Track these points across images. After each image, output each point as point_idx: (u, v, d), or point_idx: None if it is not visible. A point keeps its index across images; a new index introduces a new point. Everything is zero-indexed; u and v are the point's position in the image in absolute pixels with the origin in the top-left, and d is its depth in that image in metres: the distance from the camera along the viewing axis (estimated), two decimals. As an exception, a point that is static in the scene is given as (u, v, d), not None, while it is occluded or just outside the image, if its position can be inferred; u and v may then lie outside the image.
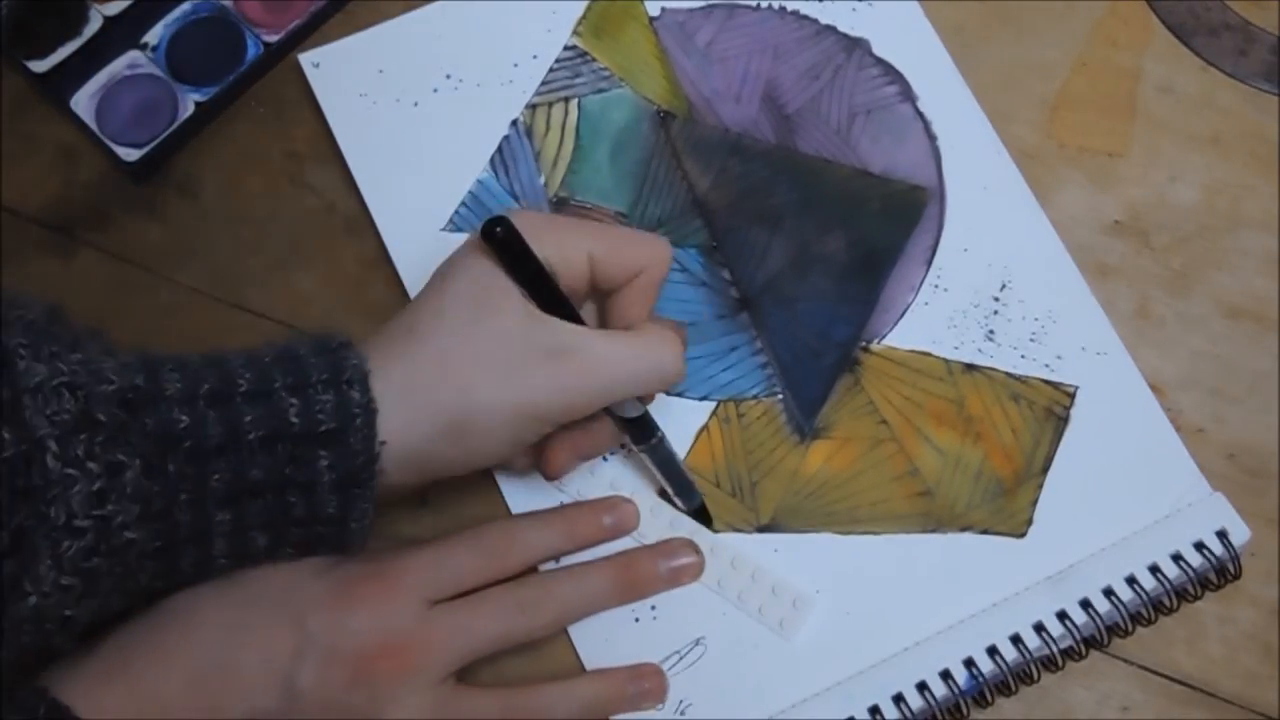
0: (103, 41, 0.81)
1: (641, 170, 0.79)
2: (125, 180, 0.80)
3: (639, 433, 0.69)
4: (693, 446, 0.74)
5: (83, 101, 0.80)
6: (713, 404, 0.75)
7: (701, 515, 0.72)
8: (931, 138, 0.79)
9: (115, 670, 0.60)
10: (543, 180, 0.80)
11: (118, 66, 0.81)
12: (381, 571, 0.65)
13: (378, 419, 0.62)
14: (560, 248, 0.66)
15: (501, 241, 0.64)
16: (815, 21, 0.82)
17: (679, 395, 0.75)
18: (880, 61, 0.81)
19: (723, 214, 0.78)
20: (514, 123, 0.81)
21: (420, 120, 0.81)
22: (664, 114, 0.81)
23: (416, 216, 0.78)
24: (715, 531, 0.72)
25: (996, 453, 0.73)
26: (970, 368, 0.75)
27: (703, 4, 0.83)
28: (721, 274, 0.77)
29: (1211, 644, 0.70)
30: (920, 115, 0.80)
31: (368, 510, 0.63)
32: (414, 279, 0.76)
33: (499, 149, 0.80)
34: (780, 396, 0.75)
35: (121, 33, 0.82)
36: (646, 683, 0.69)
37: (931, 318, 0.76)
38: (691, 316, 0.76)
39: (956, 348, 0.75)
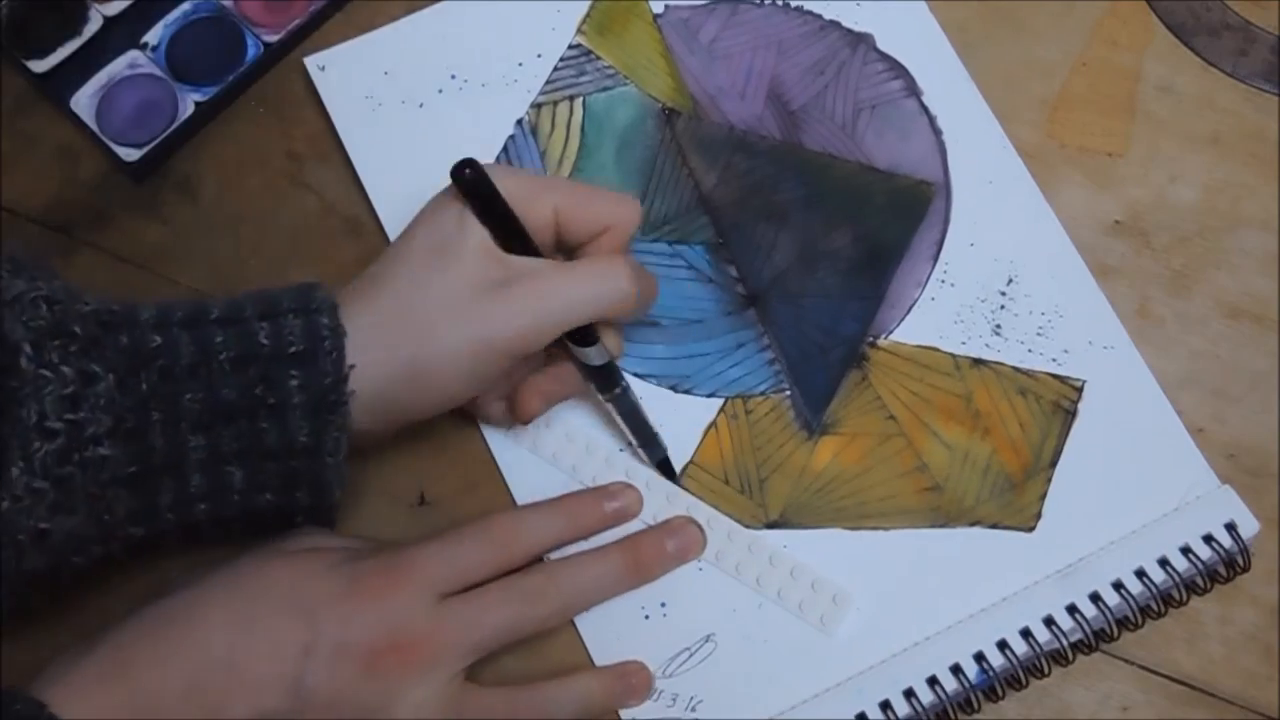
0: (103, 41, 0.81)
1: (647, 167, 0.80)
2: (125, 180, 0.80)
3: (603, 381, 0.70)
4: (701, 443, 0.74)
5: (83, 101, 0.80)
6: (720, 400, 0.75)
7: (665, 469, 0.73)
8: (937, 132, 0.80)
9: (112, 673, 0.59)
10: None
11: (118, 66, 0.81)
12: (391, 565, 0.65)
13: (346, 344, 0.63)
14: (527, 199, 0.67)
15: (469, 182, 0.66)
16: (819, 17, 0.82)
17: (686, 392, 0.75)
18: (885, 57, 0.81)
19: (729, 211, 0.78)
20: (519, 122, 0.81)
21: (426, 121, 0.81)
22: (669, 111, 0.81)
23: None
24: (681, 487, 0.73)
25: (1005, 447, 0.73)
26: (977, 362, 0.75)
27: (706, 1, 0.83)
28: (728, 270, 0.77)
29: (1211, 644, 0.70)
30: (925, 110, 0.80)
31: (341, 440, 0.64)
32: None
33: (505, 148, 0.81)
34: (788, 392, 0.75)
35: (121, 33, 0.82)
36: (633, 679, 0.69)
37: (938, 313, 0.76)
38: (698, 313, 0.76)
39: (964, 343, 0.75)
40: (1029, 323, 0.75)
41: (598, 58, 0.82)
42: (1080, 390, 0.74)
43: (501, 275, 0.66)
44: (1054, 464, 0.73)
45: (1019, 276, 0.76)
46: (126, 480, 0.61)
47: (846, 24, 0.82)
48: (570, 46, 0.83)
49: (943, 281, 0.77)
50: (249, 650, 0.61)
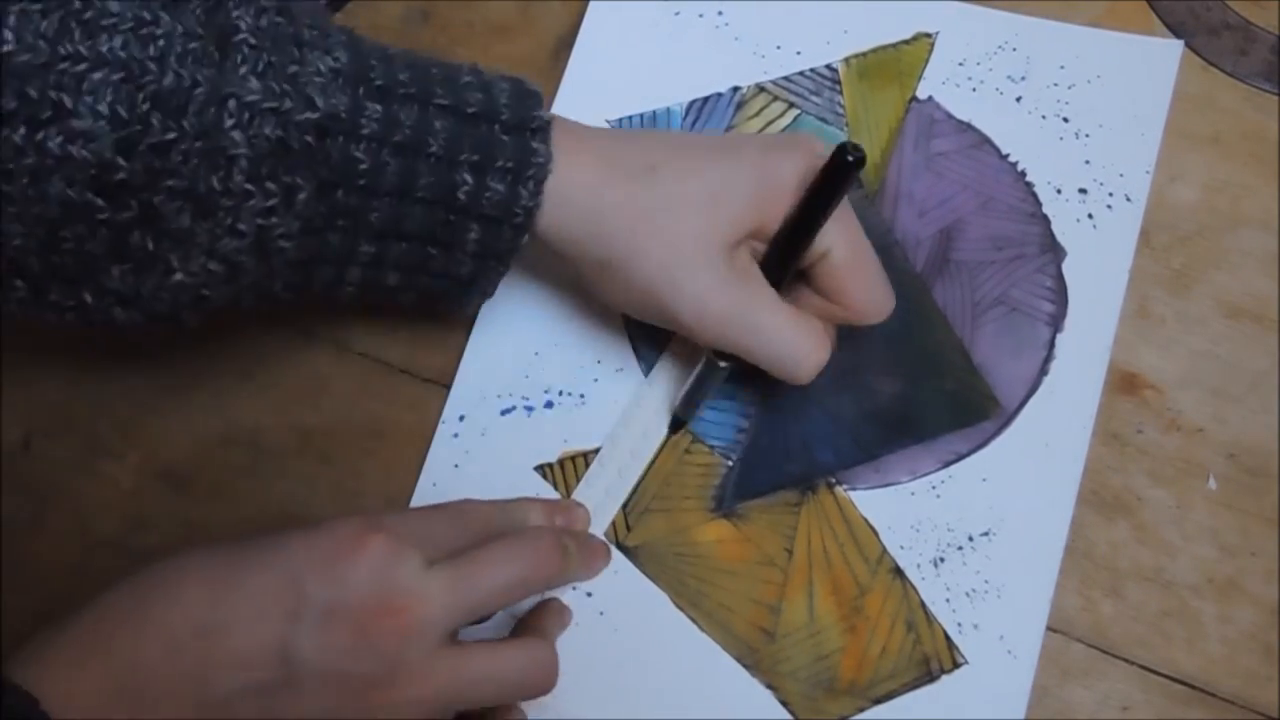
0: (103, 42, 0.81)
1: None
2: (125, 180, 0.80)
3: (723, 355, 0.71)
4: (636, 442, 0.75)
5: (83, 102, 0.80)
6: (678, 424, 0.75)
7: (676, 426, 0.75)
8: (1043, 373, 0.75)
9: (89, 648, 0.57)
10: None
11: (118, 67, 0.80)
12: (374, 525, 0.60)
13: (539, 213, 0.66)
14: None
15: (848, 167, 0.63)
16: (1039, 204, 0.78)
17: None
18: (1059, 279, 0.76)
19: None
20: (735, 89, 0.82)
21: (676, 27, 0.84)
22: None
23: (597, 101, 0.82)
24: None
25: (854, 655, 0.71)
26: (898, 572, 0.72)
27: (965, 119, 0.80)
28: None
29: (1211, 644, 0.70)
30: (1050, 348, 0.75)
31: (496, 279, 0.70)
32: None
33: (705, 99, 0.81)
34: (729, 463, 0.74)
35: (121, 33, 0.81)
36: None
37: (907, 507, 0.73)
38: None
39: (903, 548, 0.72)
40: (971, 578, 0.71)
41: (839, 92, 0.81)
42: (957, 666, 0.70)
43: (728, 272, 0.67)
44: (878, 702, 0.70)
45: (995, 539, 0.71)
46: (293, 265, 0.64)
47: (1056, 226, 0.77)
48: (827, 66, 0.82)
49: (933, 488, 0.73)
50: (231, 614, 0.57)
